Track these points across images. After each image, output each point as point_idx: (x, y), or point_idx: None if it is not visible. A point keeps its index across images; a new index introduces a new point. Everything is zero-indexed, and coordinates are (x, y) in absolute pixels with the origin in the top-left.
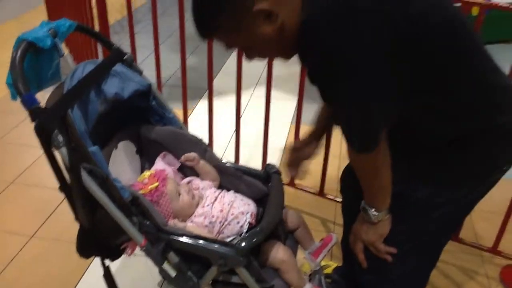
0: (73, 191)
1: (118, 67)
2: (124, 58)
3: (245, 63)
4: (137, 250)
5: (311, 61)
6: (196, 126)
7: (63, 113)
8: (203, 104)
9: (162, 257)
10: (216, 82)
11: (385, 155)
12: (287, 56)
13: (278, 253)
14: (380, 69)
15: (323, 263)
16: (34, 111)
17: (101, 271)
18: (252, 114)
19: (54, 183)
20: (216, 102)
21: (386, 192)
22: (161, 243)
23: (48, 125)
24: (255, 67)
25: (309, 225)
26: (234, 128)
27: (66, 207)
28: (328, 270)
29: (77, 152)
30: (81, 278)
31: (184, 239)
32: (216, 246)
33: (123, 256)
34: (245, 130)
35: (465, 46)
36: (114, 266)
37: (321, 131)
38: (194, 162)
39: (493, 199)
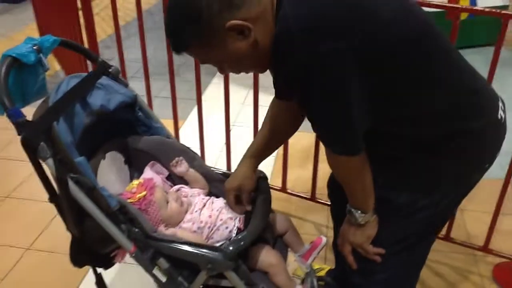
0: (61, 201)
1: (104, 80)
2: (110, 70)
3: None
4: (131, 259)
5: (286, 70)
6: (189, 135)
7: (48, 126)
8: (195, 114)
9: (151, 263)
10: (209, 90)
11: (364, 157)
12: (262, 69)
13: (267, 256)
14: (353, 76)
15: (316, 266)
16: (20, 125)
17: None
18: (244, 122)
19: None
20: (207, 111)
21: (368, 193)
22: (150, 249)
23: (33, 138)
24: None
25: (302, 229)
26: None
27: (60, 219)
28: (322, 273)
29: (64, 163)
30: (78, 286)
31: (172, 245)
32: (204, 251)
33: (118, 265)
34: (236, 138)
35: (434, 54)
36: (109, 275)
37: (261, 159)
38: (182, 169)
39: (483, 199)
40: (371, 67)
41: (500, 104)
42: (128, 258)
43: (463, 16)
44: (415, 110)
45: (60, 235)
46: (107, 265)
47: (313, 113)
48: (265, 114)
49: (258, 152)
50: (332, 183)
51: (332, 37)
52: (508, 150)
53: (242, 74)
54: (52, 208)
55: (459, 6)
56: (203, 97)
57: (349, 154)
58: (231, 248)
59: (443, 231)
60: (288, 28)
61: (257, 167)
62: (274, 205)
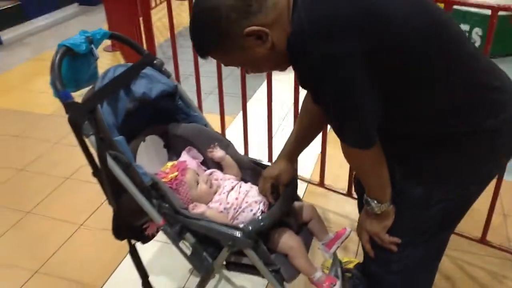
0: (102, 175)
1: (148, 70)
2: (155, 62)
3: None
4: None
5: (300, 70)
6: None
7: (93, 108)
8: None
9: (178, 237)
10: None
11: (379, 151)
12: (282, 68)
13: (287, 239)
14: (364, 76)
15: (346, 259)
16: (68, 105)
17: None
18: (289, 119)
19: None
20: (254, 109)
21: (384, 185)
22: (178, 224)
23: (78, 117)
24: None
25: (338, 224)
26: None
27: None
28: (350, 266)
29: (104, 141)
30: (120, 263)
31: (197, 221)
32: (226, 228)
33: (156, 245)
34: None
35: (448, 50)
36: (147, 255)
37: (297, 154)
38: (220, 154)
39: None
40: (384, 68)
41: None
42: (164, 239)
43: None
44: (427, 108)
45: (110, 214)
46: (144, 239)
47: (326, 109)
48: None
49: (296, 148)
50: (358, 182)
51: (344, 40)
52: None
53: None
54: None
55: None
56: (256, 95)
57: (362, 147)
58: (250, 227)
59: (479, 234)
60: (301, 31)
61: (295, 161)
62: (312, 200)
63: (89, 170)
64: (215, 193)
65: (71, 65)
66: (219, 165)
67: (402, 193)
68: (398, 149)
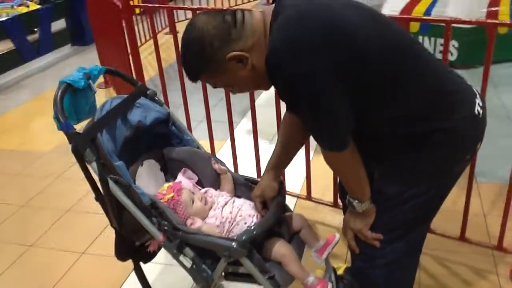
0: (104, 198)
1: (142, 100)
2: (148, 92)
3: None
4: (172, 261)
5: (277, 85)
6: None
7: (93, 136)
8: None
9: (178, 251)
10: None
11: (354, 152)
12: (264, 88)
13: (279, 247)
14: (333, 87)
15: (335, 265)
16: (70, 135)
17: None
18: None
19: (100, 210)
20: (241, 134)
21: (362, 184)
22: (177, 239)
23: (80, 146)
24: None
25: (327, 233)
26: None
27: (110, 229)
28: (340, 271)
29: (105, 166)
30: (122, 285)
31: (194, 236)
32: (221, 240)
33: (159, 266)
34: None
35: (408, 62)
36: (151, 276)
37: (281, 167)
38: (224, 167)
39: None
40: (351, 75)
41: (478, 100)
42: (167, 259)
43: (503, 30)
44: (394, 112)
45: (111, 241)
46: (145, 259)
47: (303, 118)
48: None
49: (276, 163)
50: (341, 186)
51: (312, 58)
52: None
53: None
54: (105, 219)
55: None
56: (243, 120)
57: (338, 150)
58: (244, 237)
59: (458, 232)
60: (275, 50)
61: (278, 176)
62: (301, 212)
63: (87, 202)
64: (210, 209)
65: (72, 100)
66: (213, 184)
67: (380, 192)
68: (373, 150)
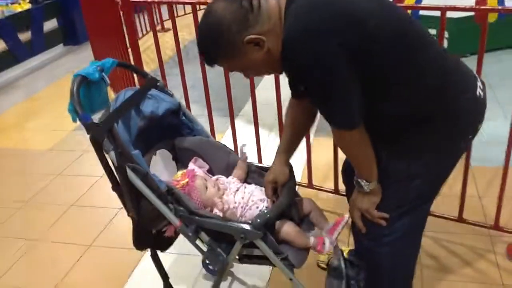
0: (122, 187)
1: (153, 91)
2: (158, 84)
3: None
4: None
5: (292, 68)
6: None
7: (110, 127)
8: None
9: (194, 235)
10: (247, 106)
11: (363, 132)
12: (278, 71)
13: (284, 227)
14: (346, 66)
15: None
16: (89, 126)
17: (145, 271)
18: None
19: (106, 203)
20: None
21: (370, 164)
22: (193, 224)
23: (99, 135)
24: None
25: (330, 220)
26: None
27: (117, 221)
28: (345, 254)
29: (123, 155)
30: (130, 275)
31: (211, 220)
32: (237, 223)
33: (172, 255)
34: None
35: (417, 46)
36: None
37: (291, 151)
38: (247, 154)
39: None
40: (361, 57)
41: (479, 83)
42: (179, 249)
43: (492, 18)
44: (402, 93)
45: (117, 233)
46: (163, 246)
47: (318, 97)
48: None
49: (287, 148)
50: (345, 170)
51: (327, 37)
52: None
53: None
54: (108, 213)
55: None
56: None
57: (350, 128)
58: (258, 220)
59: (456, 213)
60: (291, 34)
61: (288, 161)
62: None
63: (91, 196)
64: (222, 195)
65: (86, 92)
66: (223, 173)
67: (387, 170)
68: (382, 130)
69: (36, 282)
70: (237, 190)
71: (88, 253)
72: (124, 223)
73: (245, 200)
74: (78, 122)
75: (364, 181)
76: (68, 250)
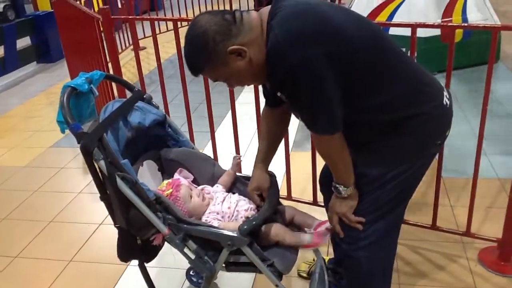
0: (111, 196)
1: (140, 103)
2: (144, 96)
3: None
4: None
5: (277, 76)
6: None
7: (100, 136)
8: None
9: (182, 243)
10: (224, 123)
11: (342, 140)
12: (259, 82)
13: (271, 229)
14: (327, 76)
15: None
16: (79, 135)
17: (127, 285)
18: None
19: (85, 219)
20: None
21: (348, 170)
22: (181, 232)
23: (89, 145)
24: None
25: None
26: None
27: (97, 236)
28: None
29: (112, 164)
30: None
31: (199, 227)
32: (224, 230)
33: (154, 269)
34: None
35: (389, 56)
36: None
37: (269, 159)
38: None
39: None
40: (341, 66)
41: (445, 93)
42: (166, 262)
43: (457, 38)
44: (377, 99)
45: (98, 248)
46: (149, 257)
47: (301, 104)
48: None
49: (264, 157)
50: (323, 178)
51: (311, 46)
52: None
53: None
54: (88, 229)
55: (453, 24)
56: (219, 129)
57: (331, 133)
58: (245, 227)
59: (430, 221)
60: (277, 42)
61: (267, 168)
62: None
63: (69, 213)
64: (207, 205)
65: (75, 103)
66: (208, 183)
67: (363, 175)
68: (353, 137)
69: None
70: (224, 200)
71: (68, 269)
72: (104, 238)
73: (231, 210)
74: (56, 138)
75: (342, 186)
76: (48, 266)
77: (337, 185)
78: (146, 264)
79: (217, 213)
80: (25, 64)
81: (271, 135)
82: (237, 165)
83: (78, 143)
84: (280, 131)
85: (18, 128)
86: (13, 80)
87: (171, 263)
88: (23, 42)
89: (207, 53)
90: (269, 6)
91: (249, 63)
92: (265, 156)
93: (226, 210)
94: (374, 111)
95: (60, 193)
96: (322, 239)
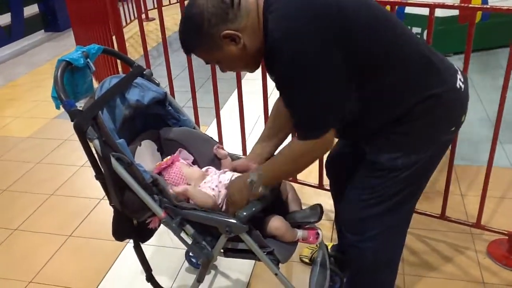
0: (105, 176)
1: (139, 80)
2: (144, 72)
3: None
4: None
5: (277, 70)
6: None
7: (95, 114)
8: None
9: (179, 228)
10: (231, 100)
11: (321, 151)
12: (252, 68)
13: (273, 222)
14: (330, 63)
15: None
16: (73, 113)
17: (126, 262)
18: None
19: (87, 193)
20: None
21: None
22: (178, 216)
23: (83, 123)
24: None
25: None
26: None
27: (97, 211)
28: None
29: (107, 144)
30: (111, 266)
31: (196, 212)
32: (222, 216)
33: (151, 247)
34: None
35: (397, 38)
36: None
37: (270, 145)
38: (225, 152)
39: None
40: (346, 49)
41: (459, 76)
42: (159, 241)
43: (476, 19)
44: (385, 81)
45: (98, 224)
46: (144, 237)
47: (299, 103)
48: None
49: (265, 137)
50: (329, 163)
51: (309, 36)
52: None
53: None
54: (89, 203)
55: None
56: (226, 106)
57: (309, 138)
58: (244, 213)
59: (439, 210)
60: (274, 39)
61: (263, 150)
62: None
63: (70, 186)
64: (204, 176)
65: (70, 78)
66: (209, 164)
67: (372, 163)
68: (364, 127)
69: (14, 272)
70: (224, 173)
71: (68, 244)
72: (105, 213)
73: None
74: (60, 110)
75: (266, 186)
76: (47, 240)
77: (264, 186)
78: (143, 242)
79: (212, 182)
80: (32, 33)
81: (278, 116)
82: (223, 155)
83: (72, 121)
84: (287, 128)
85: (23, 98)
86: (19, 48)
87: (172, 242)
88: (31, 10)
89: (201, 34)
90: None
91: (242, 49)
92: (265, 135)
93: (224, 180)
94: (380, 95)
95: (63, 165)
96: (315, 239)
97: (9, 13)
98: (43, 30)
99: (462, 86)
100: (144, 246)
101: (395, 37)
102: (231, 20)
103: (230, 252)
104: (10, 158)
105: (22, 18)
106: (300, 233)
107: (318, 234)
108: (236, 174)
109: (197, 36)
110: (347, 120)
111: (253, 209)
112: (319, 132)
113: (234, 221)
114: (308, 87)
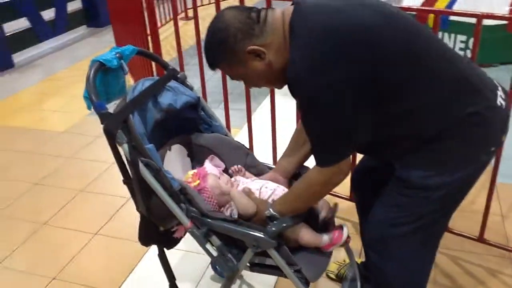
0: (133, 182)
1: (172, 83)
2: (178, 76)
3: None
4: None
5: (296, 97)
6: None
7: (125, 118)
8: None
9: (205, 238)
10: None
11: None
12: (278, 86)
13: (301, 232)
14: (350, 99)
15: (348, 260)
16: (103, 115)
17: (151, 263)
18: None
19: (115, 191)
20: (257, 121)
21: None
22: (204, 227)
23: (113, 126)
24: None
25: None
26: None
27: (124, 211)
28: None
29: (136, 148)
30: (134, 268)
31: (224, 224)
32: (250, 230)
33: (184, 252)
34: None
35: (426, 56)
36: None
37: (295, 160)
38: (241, 173)
39: None
40: (378, 81)
41: (500, 93)
42: (185, 246)
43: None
44: (416, 102)
45: (124, 224)
46: (169, 244)
47: (315, 132)
48: None
49: (288, 152)
50: (355, 179)
51: (327, 72)
52: None
53: None
54: (117, 201)
55: None
56: (258, 110)
57: (325, 165)
58: (274, 228)
59: (477, 233)
60: (295, 70)
61: (286, 168)
62: None
63: (100, 183)
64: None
65: (103, 79)
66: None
67: (401, 180)
68: (402, 145)
69: (40, 267)
70: (260, 188)
71: (94, 241)
72: (132, 214)
73: (264, 195)
74: (92, 109)
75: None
76: (74, 237)
77: (276, 214)
78: (169, 249)
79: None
80: (75, 27)
81: (298, 145)
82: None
83: (102, 123)
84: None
85: (62, 92)
86: (62, 43)
87: (198, 248)
88: (74, 5)
89: (226, 49)
90: (292, 6)
91: (267, 65)
92: (288, 152)
93: (256, 188)
94: (412, 115)
95: (93, 162)
96: (340, 237)
97: (54, 8)
98: (85, 26)
99: (503, 103)
100: (169, 251)
101: (431, 61)
102: (256, 35)
103: (256, 267)
104: (44, 152)
105: (65, 13)
106: (326, 237)
107: (342, 228)
108: (264, 182)
109: (222, 51)
110: (376, 140)
111: (283, 225)
112: (334, 158)
113: (262, 236)
114: (324, 119)
